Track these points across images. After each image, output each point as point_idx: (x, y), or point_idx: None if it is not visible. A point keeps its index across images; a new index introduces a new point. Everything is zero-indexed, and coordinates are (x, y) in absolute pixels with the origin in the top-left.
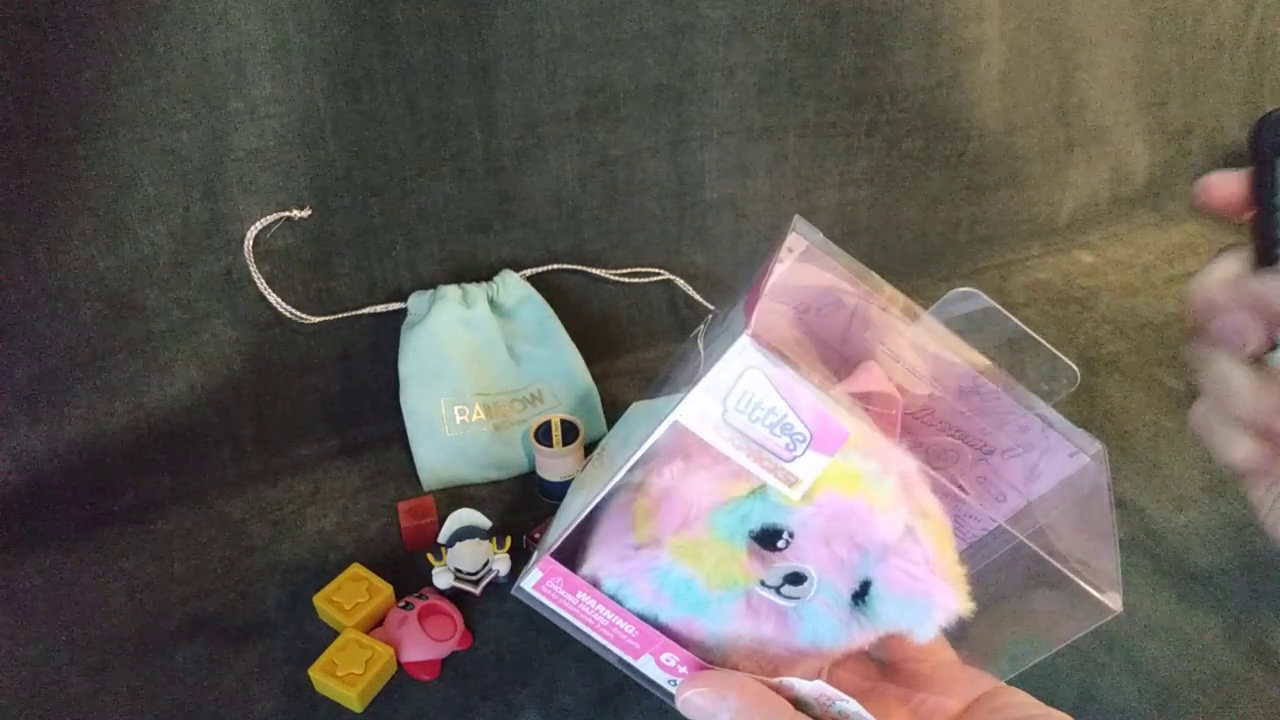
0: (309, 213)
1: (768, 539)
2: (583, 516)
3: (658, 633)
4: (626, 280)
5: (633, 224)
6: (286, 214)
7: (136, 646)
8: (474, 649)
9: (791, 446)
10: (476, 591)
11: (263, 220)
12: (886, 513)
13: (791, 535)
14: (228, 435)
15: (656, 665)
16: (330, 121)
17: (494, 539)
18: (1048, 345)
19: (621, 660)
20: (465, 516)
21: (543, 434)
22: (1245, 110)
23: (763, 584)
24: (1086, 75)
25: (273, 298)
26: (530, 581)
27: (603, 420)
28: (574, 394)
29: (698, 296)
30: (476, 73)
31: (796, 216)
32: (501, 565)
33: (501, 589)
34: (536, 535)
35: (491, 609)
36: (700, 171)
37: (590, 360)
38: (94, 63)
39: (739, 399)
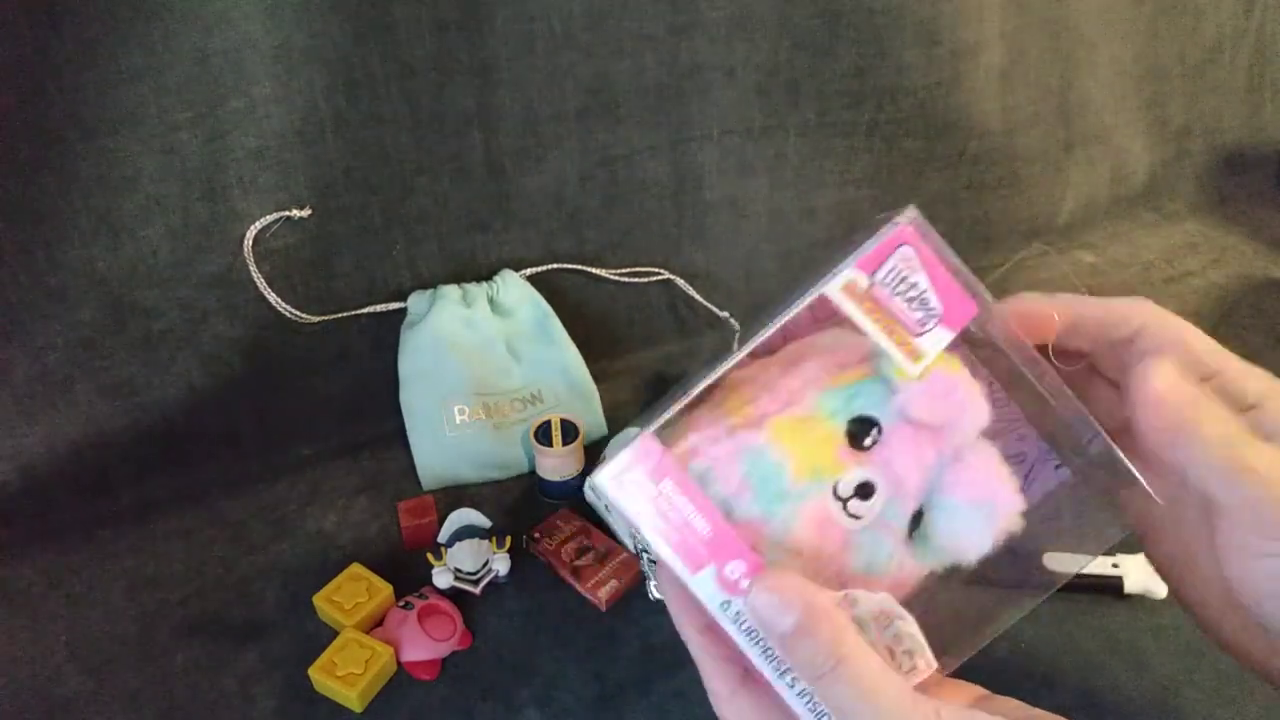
0: (309, 213)
1: (861, 431)
2: (698, 390)
3: (733, 534)
4: (626, 280)
5: (633, 224)
6: (286, 214)
7: (136, 646)
8: (474, 649)
9: (924, 321)
10: (476, 591)
11: (263, 220)
12: (980, 398)
13: (880, 432)
14: (228, 435)
15: (716, 582)
16: (330, 121)
17: (494, 539)
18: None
19: (674, 580)
20: (465, 516)
21: (543, 434)
22: (1245, 110)
23: (835, 494)
24: (1086, 75)
25: (273, 298)
26: (616, 469)
27: (603, 420)
28: (574, 394)
29: (698, 296)
30: (476, 73)
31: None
32: (501, 565)
33: (502, 589)
34: (537, 535)
35: (491, 609)
36: (700, 171)
37: (590, 360)
38: (94, 63)
39: (886, 273)
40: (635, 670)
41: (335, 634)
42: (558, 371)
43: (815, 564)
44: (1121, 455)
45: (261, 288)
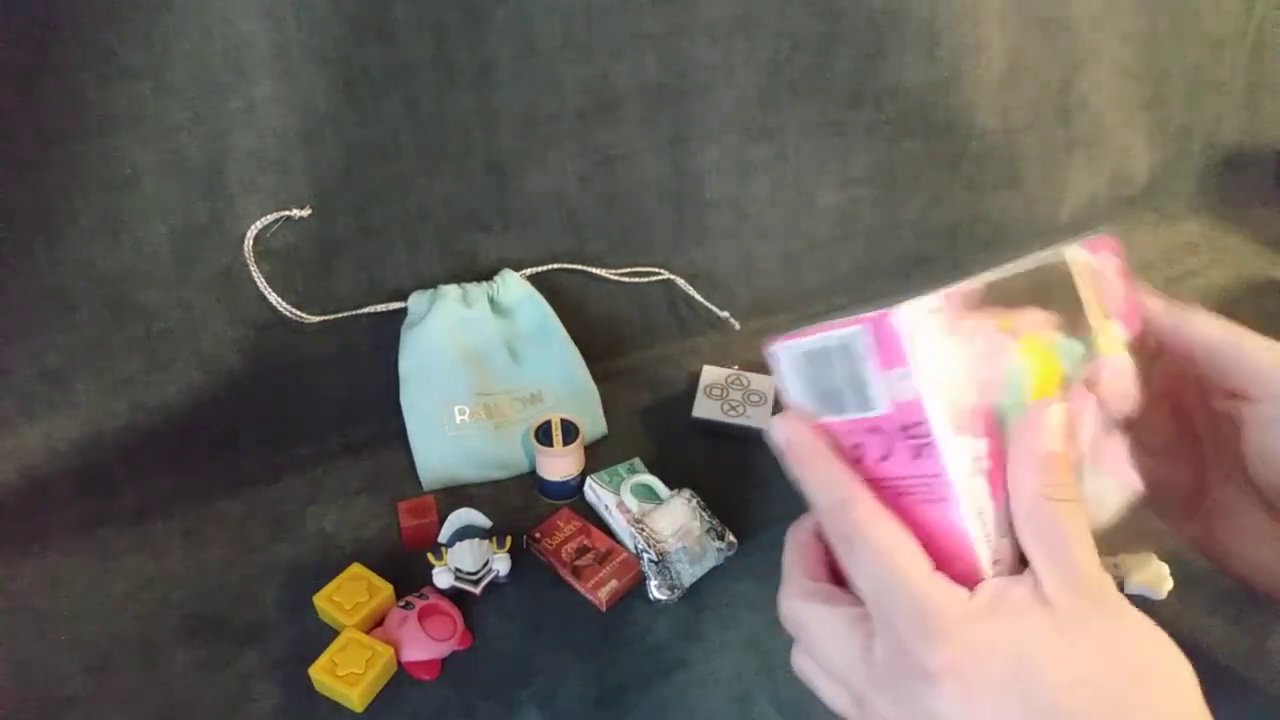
0: (309, 213)
1: (1065, 384)
2: (1001, 273)
3: (992, 415)
4: (626, 280)
5: (633, 224)
6: (286, 214)
7: (136, 646)
8: (474, 649)
9: (1113, 313)
10: (476, 591)
11: (263, 220)
12: (1136, 391)
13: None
14: (228, 435)
15: (969, 453)
16: (330, 121)
17: (494, 539)
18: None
19: (921, 437)
20: (465, 516)
21: (543, 434)
22: (1245, 110)
23: None
24: (1086, 75)
25: (273, 298)
26: (924, 306)
27: (603, 420)
28: (574, 394)
29: (698, 296)
30: (476, 73)
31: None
32: (501, 565)
33: (502, 589)
34: (537, 535)
35: (491, 609)
36: (700, 171)
37: (590, 360)
38: (94, 63)
39: (1101, 262)
40: (635, 670)
41: (335, 634)
42: (558, 371)
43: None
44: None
45: (261, 288)
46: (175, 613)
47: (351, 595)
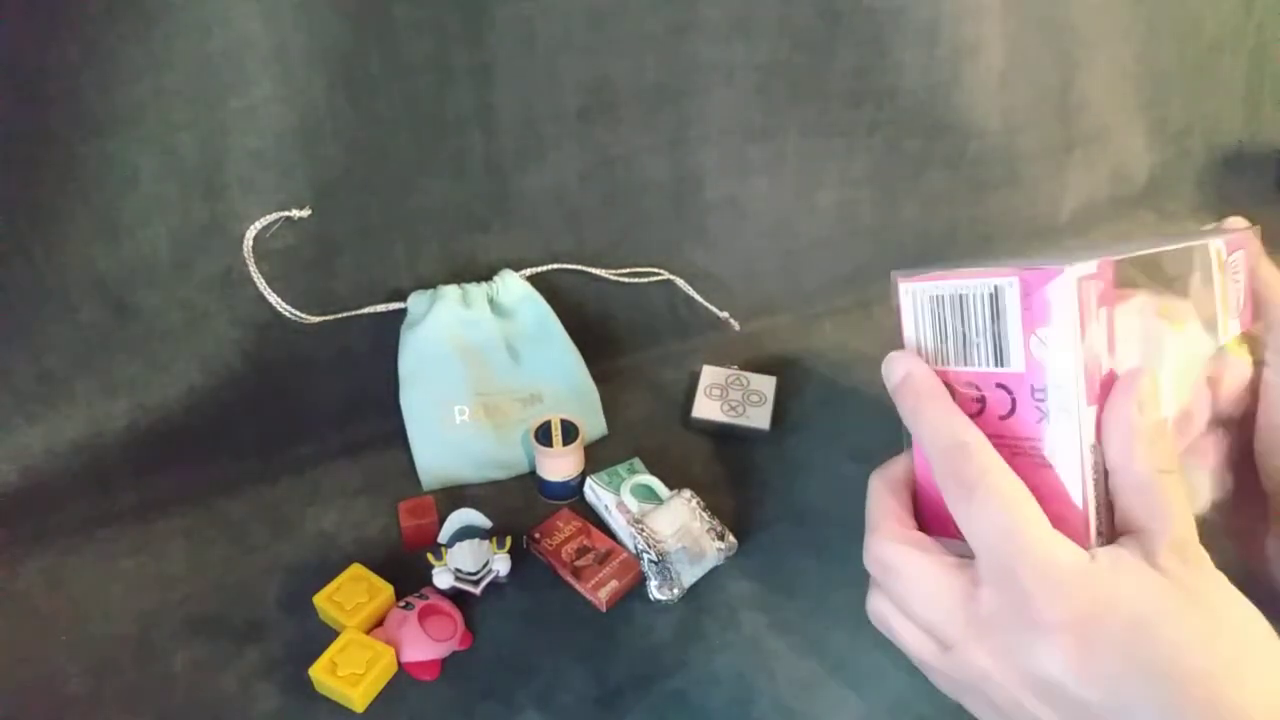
0: (309, 213)
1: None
2: (1140, 252)
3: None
4: (626, 280)
5: (633, 224)
6: (286, 214)
7: (136, 646)
8: (474, 649)
9: (1237, 309)
10: (476, 591)
11: (263, 220)
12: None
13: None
14: (228, 435)
15: (1093, 424)
16: (330, 121)
17: (494, 539)
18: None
19: (1048, 404)
20: (465, 516)
21: (543, 434)
22: (1245, 110)
23: None
24: (1086, 75)
25: (273, 298)
26: (1081, 272)
27: (603, 420)
28: (574, 394)
29: (698, 296)
30: (476, 73)
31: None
32: (501, 565)
33: (502, 589)
34: (537, 535)
35: (491, 609)
36: (700, 171)
37: (590, 360)
38: (94, 63)
39: (1234, 259)
40: (635, 670)
41: (336, 634)
42: (558, 371)
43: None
44: None
45: (261, 288)
46: (175, 613)
47: (351, 595)
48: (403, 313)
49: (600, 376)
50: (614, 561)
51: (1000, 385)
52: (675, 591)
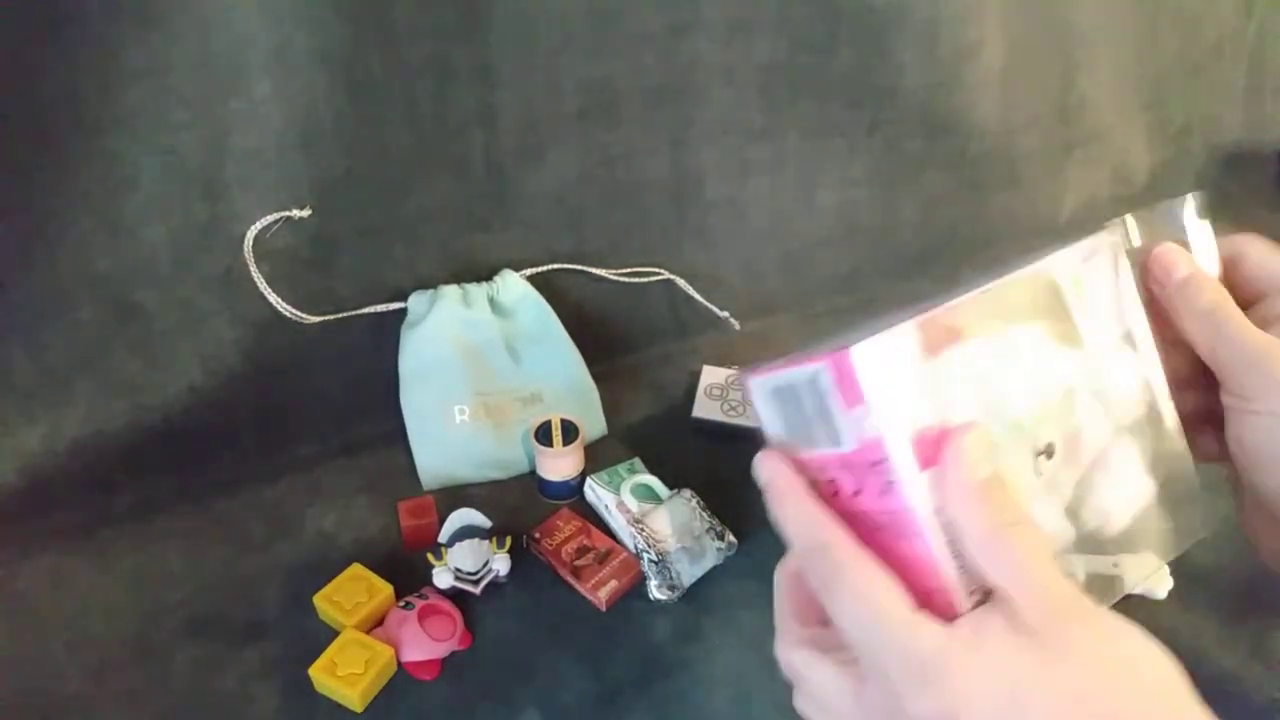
0: (309, 213)
1: (1067, 396)
2: (972, 294)
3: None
4: (626, 280)
5: (633, 224)
6: (286, 214)
7: (136, 646)
8: (474, 649)
9: (1113, 314)
10: (476, 591)
11: (263, 220)
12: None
13: (1073, 402)
14: (228, 435)
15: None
16: (330, 121)
17: (494, 539)
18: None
19: (886, 477)
20: (465, 516)
21: (543, 434)
22: (1245, 110)
23: (1035, 445)
24: (1086, 75)
25: (273, 297)
26: (879, 346)
27: (603, 420)
28: (574, 394)
29: (698, 296)
30: (476, 73)
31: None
32: (501, 565)
33: (502, 589)
34: (537, 535)
35: (491, 609)
36: (700, 171)
37: (590, 360)
38: (94, 63)
39: (1092, 267)
40: (635, 670)
41: (335, 634)
42: (558, 371)
43: None
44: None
45: (261, 288)
46: (175, 613)
47: (351, 595)
48: (403, 313)
49: (600, 376)
50: (614, 561)
51: (844, 465)
52: (675, 591)
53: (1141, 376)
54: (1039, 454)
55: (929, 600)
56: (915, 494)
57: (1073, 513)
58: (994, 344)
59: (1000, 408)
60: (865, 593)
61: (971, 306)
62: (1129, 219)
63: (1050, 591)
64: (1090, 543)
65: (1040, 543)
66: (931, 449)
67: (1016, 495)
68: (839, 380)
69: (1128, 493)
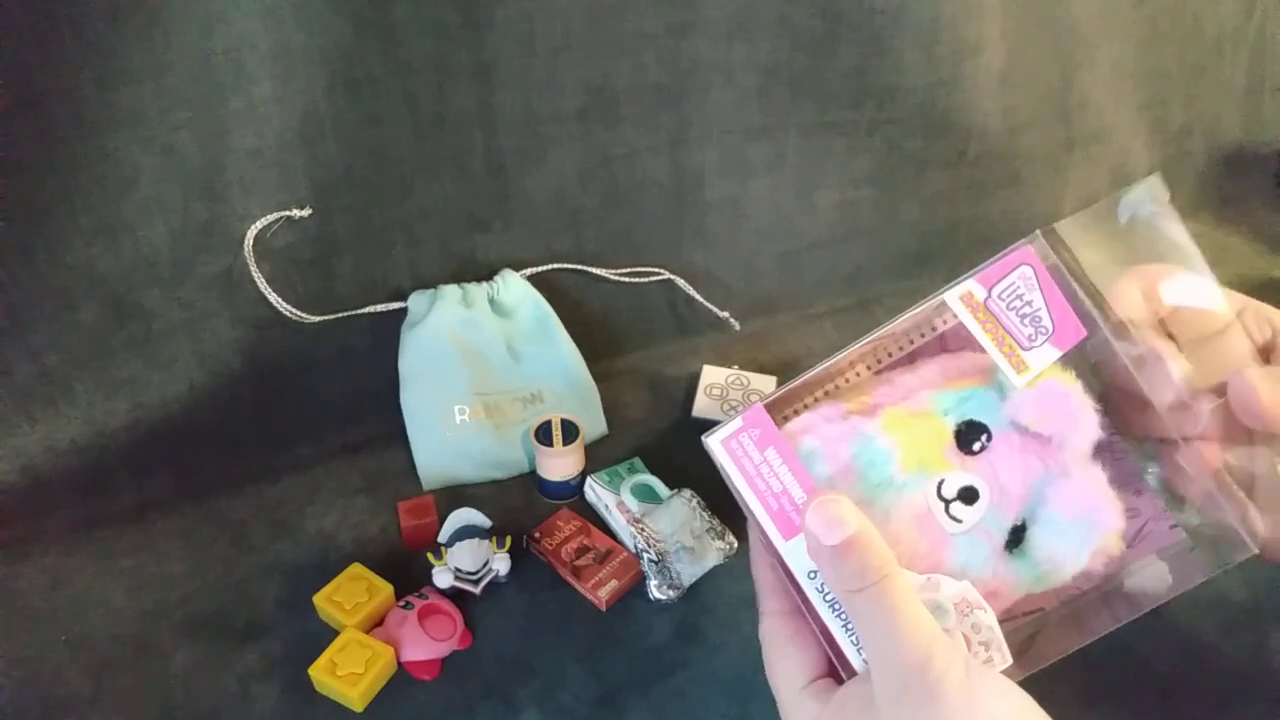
0: (309, 212)
1: (970, 434)
2: (811, 373)
3: None
4: (626, 280)
5: (633, 224)
6: (286, 214)
7: (136, 646)
8: (474, 649)
9: (1034, 337)
10: (476, 591)
11: (263, 220)
12: (1092, 412)
13: (990, 439)
14: (228, 435)
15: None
16: (330, 121)
17: (494, 539)
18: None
19: (769, 545)
20: (465, 516)
21: (543, 434)
22: (1245, 110)
23: (939, 493)
24: (1086, 75)
25: (273, 297)
26: (725, 433)
27: (603, 420)
28: (574, 394)
29: (698, 296)
30: (476, 73)
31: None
32: (501, 565)
33: (502, 589)
34: (537, 535)
35: (491, 609)
36: (700, 171)
37: (590, 360)
38: (94, 63)
39: (1005, 289)
40: (635, 670)
41: (335, 634)
42: (558, 371)
43: (911, 557)
44: (1241, 529)
45: (261, 288)
46: (175, 613)
47: (351, 595)
48: (403, 312)
49: (600, 376)
50: (614, 561)
51: (764, 537)
52: (675, 591)
53: (1064, 397)
54: (950, 500)
55: (838, 664)
56: (790, 560)
57: (1019, 554)
58: (863, 400)
59: (867, 465)
60: (771, 665)
61: (862, 355)
62: (1059, 227)
63: (902, 659)
64: (1044, 582)
65: (902, 599)
66: (793, 518)
67: (893, 548)
68: (719, 463)
69: (1073, 534)
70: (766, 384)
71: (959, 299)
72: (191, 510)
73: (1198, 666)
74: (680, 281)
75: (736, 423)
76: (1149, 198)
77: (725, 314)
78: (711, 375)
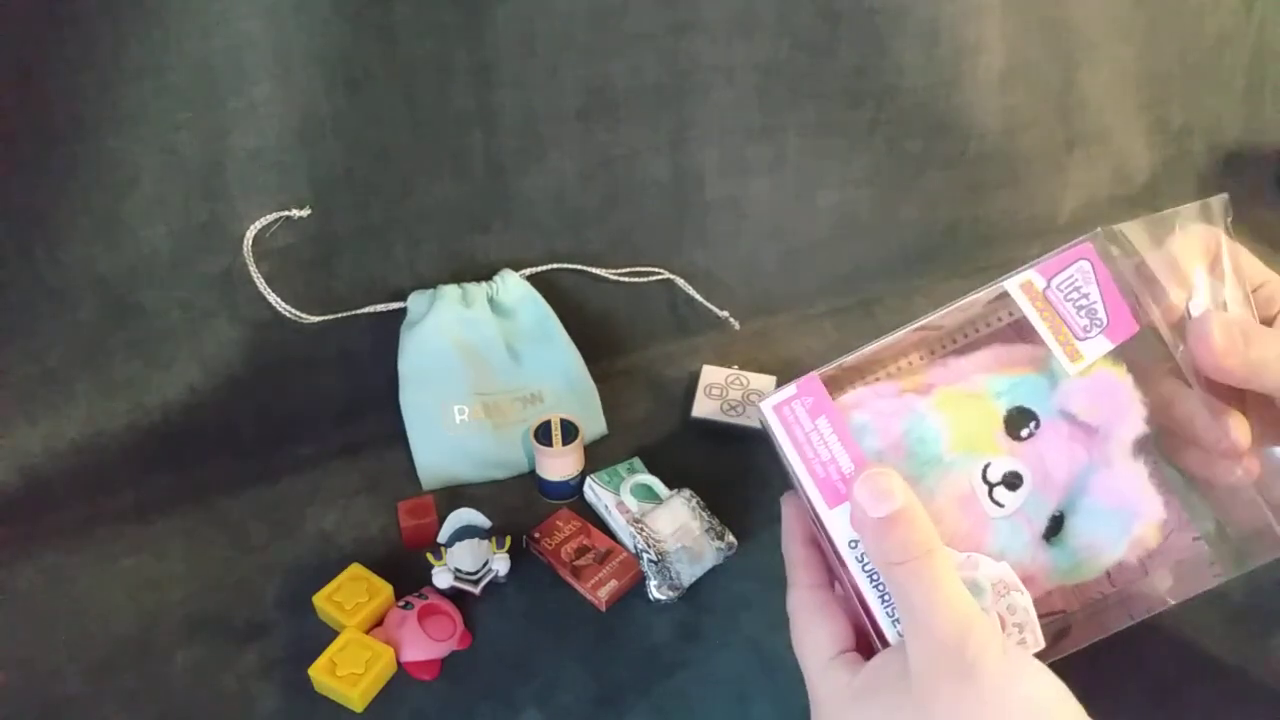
0: (309, 212)
1: (1019, 419)
2: (874, 346)
3: None
4: (626, 280)
5: (633, 224)
6: (286, 214)
7: (136, 646)
8: (474, 649)
9: (1089, 328)
10: (476, 591)
11: (263, 220)
12: (1140, 405)
13: (1038, 426)
14: (228, 435)
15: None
16: (330, 121)
17: (494, 539)
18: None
19: (813, 512)
20: (465, 516)
21: (543, 434)
22: (1245, 110)
23: (984, 476)
24: (1086, 75)
25: (273, 297)
26: (777, 399)
27: (603, 420)
28: (574, 394)
29: (698, 296)
30: (476, 73)
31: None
32: (501, 565)
33: (502, 589)
34: (537, 535)
35: (491, 609)
36: (700, 171)
37: (590, 360)
38: (94, 62)
39: (1063, 280)
40: (635, 670)
41: (335, 634)
42: (558, 371)
43: (951, 537)
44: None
45: (261, 288)
46: (175, 613)
47: (351, 595)
48: (403, 312)
49: (600, 376)
50: (614, 561)
51: (809, 504)
52: (675, 591)
53: (1115, 390)
54: (994, 484)
55: (865, 635)
56: (833, 528)
57: (1058, 542)
58: (918, 380)
59: (917, 443)
60: (799, 636)
61: (921, 333)
62: (1122, 227)
63: (938, 636)
64: (1079, 572)
65: (943, 576)
66: (840, 489)
67: (937, 527)
68: (770, 428)
69: (1115, 521)
70: (766, 384)
71: (1019, 287)
72: (191, 510)
73: (1198, 666)
74: (680, 281)
75: (790, 389)
76: (1198, 215)
77: (725, 314)
78: (711, 375)
